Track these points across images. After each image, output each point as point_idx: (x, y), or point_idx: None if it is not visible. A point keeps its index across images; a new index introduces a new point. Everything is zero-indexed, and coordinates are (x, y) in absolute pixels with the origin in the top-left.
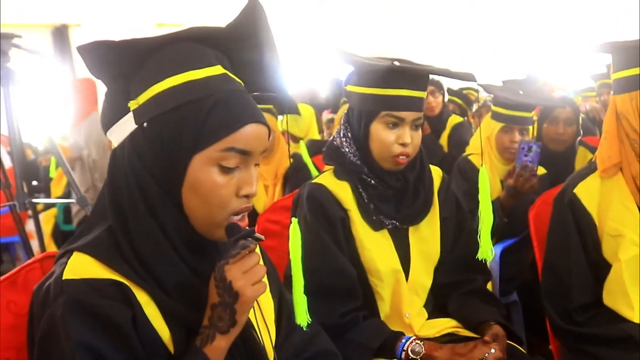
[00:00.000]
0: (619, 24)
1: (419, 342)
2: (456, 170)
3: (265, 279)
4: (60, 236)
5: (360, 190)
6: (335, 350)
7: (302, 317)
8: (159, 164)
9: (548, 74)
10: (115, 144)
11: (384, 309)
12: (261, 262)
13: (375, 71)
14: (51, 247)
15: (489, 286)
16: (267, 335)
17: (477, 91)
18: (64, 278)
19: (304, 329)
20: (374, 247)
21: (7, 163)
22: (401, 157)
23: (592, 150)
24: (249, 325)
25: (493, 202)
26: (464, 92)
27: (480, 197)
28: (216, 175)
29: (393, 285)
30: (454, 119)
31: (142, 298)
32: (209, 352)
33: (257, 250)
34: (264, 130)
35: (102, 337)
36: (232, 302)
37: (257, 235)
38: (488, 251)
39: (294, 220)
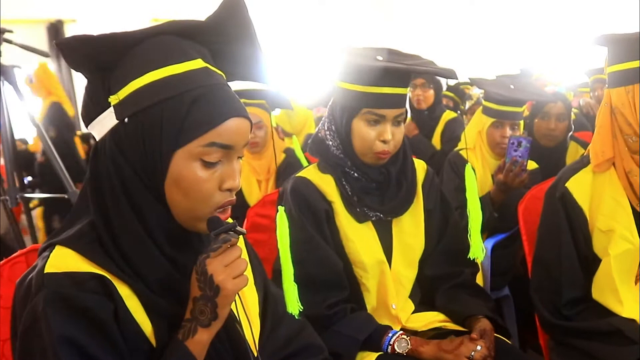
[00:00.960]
0: (619, 21)
1: (405, 337)
2: (447, 165)
3: (249, 273)
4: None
5: (344, 182)
6: (321, 344)
7: (294, 305)
8: (140, 159)
9: (543, 69)
10: (97, 139)
11: (371, 301)
12: (245, 256)
13: (356, 68)
14: None
15: (480, 280)
16: (249, 329)
17: (471, 86)
18: (45, 271)
19: (296, 317)
20: (358, 239)
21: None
22: (382, 154)
23: (584, 145)
24: (232, 319)
25: (483, 198)
26: (461, 86)
27: (467, 195)
28: (198, 170)
29: (378, 277)
30: (448, 115)
31: (124, 291)
32: (190, 346)
33: (242, 244)
34: (246, 124)
35: (83, 330)
36: (213, 295)
37: (239, 228)
38: (479, 250)
39: (281, 209)
